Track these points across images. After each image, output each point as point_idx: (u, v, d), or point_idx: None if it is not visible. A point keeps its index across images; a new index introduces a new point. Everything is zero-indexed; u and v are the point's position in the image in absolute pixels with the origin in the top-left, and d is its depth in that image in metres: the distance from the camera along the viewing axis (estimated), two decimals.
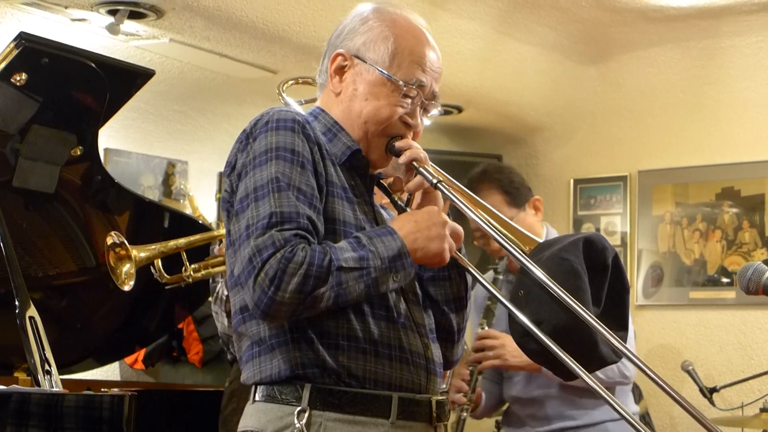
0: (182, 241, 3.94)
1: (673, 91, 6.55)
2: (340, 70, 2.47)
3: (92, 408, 3.68)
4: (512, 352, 3.62)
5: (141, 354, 4.64)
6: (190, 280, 3.95)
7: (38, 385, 3.83)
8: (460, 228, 2.38)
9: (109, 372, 5.53)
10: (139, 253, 3.87)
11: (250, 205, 2.25)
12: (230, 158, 2.37)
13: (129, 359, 5.72)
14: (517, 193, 3.86)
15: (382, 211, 2.54)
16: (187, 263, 3.97)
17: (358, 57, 2.45)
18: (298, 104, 2.80)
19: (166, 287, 4.01)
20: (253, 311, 2.25)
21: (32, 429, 3.56)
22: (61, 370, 3.96)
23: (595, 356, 2.35)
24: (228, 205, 2.34)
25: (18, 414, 3.56)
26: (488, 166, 3.93)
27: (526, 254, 2.41)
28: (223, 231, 3.69)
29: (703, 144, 6.58)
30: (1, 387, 3.77)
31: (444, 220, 2.32)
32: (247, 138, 2.34)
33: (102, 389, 3.99)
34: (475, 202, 2.54)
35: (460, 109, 6.68)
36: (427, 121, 2.54)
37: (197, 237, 3.98)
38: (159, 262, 3.93)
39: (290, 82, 2.88)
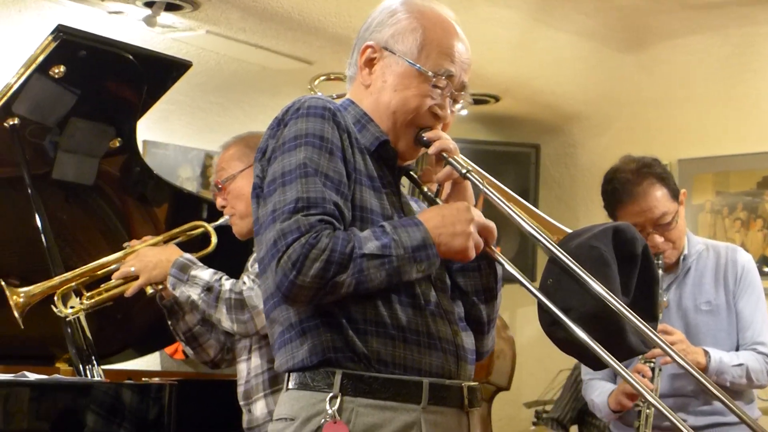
0: (69, 274, 3.82)
1: (713, 78, 6.52)
2: (370, 62, 2.48)
3: (135, 396, 3.75)
4: (689, 348, 3.57)
5: (181, 344, 4.67)
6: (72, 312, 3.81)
7: (80, 375, 3.90)
8: (491, 224, 2.37)
9: (150, 362, 5.58)
10: (18, 298, 3.76)
11: (278, 189, 2.27)
12: (262, 144, 2.40)
13: (169, 349, 5.77)
14: (675, 187, 3.77)
15: (413, 202, 2.56)
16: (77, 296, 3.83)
17: (386, 49, 2.46)
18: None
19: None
20: (275, 294, 2.31)
21: (77, 416, 3.63)
22: (102, 360, 4.04)
23: (623, 345, 2.34)
24: (258, 190, 2.37)
25: (68, 402, 3.65)
26: (643, 159, 3.77)
27: (554, 243, 2.42)
28: (114, 257, 3.76)
29: (743, 132, 6.56)
30: (45, 376, 3.85)
31: (470, 217, 2.31)
32: (278, 124, 2.37)
33: (143, 379, 4.06)
34: (505, 193, 2.55)
35: (497, 98, 6.69)
36: (464, 112, 2.56)
37: (91, 266, 3.81)
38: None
39: (322, 78, 2.89)
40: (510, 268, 2.40)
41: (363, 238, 2.22)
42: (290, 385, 2.34)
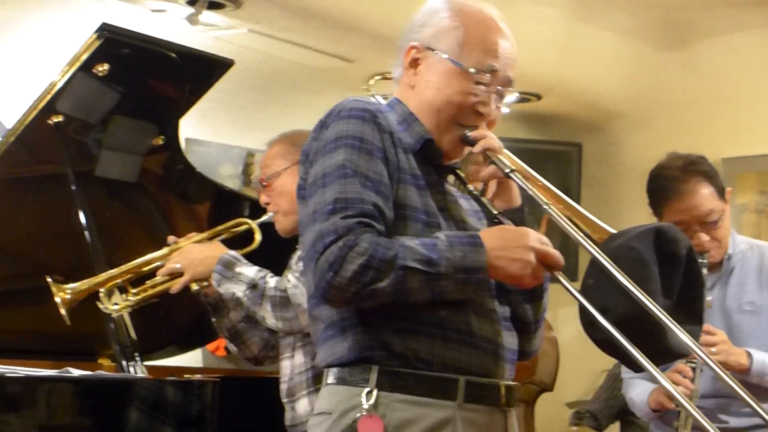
0: (115, 271, 3.83)
1: (755, 76, 6.47)
2: (414, 62, 2.50)
3: (178, 393, 3.77)
4: (731, 349, 3.54)
5: (223, 341, 4.69)
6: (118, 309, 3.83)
7: (123, 371, 3.93)
8: (554, 253, 2.31)
9: (192, 359, 5.61)
10: (64, 295, 3.78)
11: (318, 190, 2.30)
12: (305, 146, 2.42)
13: (211, 346, 5.83)
14: (721, 185, 3.72)
15: (463, 200, 2.56)
16: (122, 292, 3.86)
17: (429, 48, 2.47)
18: (382, 98, 2.82)
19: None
20: (314, 294, 2.34)
21: (120, 412, 3.65)
22: (144, 356, 4.06)
23: (663, 348, 2.32)
24: (302, 191, 2.40)
25: (111, 398, 3.66)
26: (689, 157, 3.73)
27: (596, 243, 2.41)
28: (159, 253, 3.75)
29: None
30: (88, 372, 3.87)
31: (530, 246, 2.27)
32: (321, 127, 2.39)
33: (185, 375, 4.08)
34: (550, 191, 2.53)
35: (538, 97, 6.69)
36: (505, 109, 2.55)
37: (136, 263, 3.82)
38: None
39: (377, 77, 2.90)
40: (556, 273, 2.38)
41: (409, 248, 2.22)
42: (329, 380, 2.37)
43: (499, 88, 2.46)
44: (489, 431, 2.36)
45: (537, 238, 2.29)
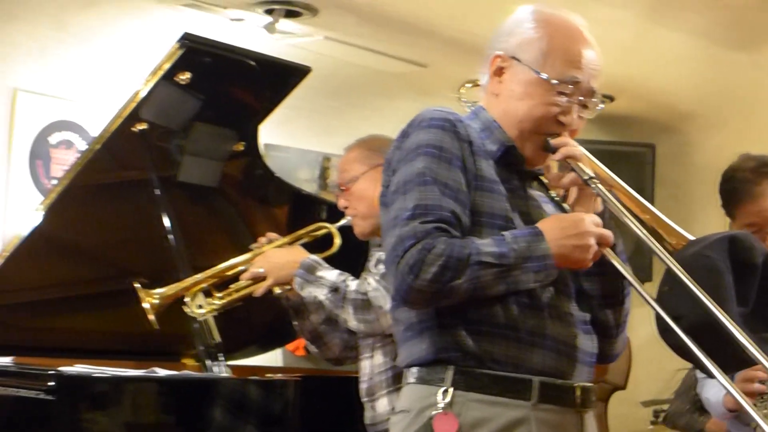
0: (200, 276, 3.89)
1: None
2: (499, 71, 2.51)
3: (261, 392, 3.83)
4: None
5: (302, 341, 4.72)
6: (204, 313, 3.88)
7: (207, 370, 4.00)
8: (607, 233, 2.37)
9: (272, 358, 5.66)
10: (152, 299, 3.83)
11: (399, 197, 2.34)
12: (388, 155, 2.47)
13: (290, 346, 5.85)
14: None
15: (546, 203, 2.56)
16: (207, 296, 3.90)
17: (514, 58, 2.48)
18: (470, 106, 2.84)
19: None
20: (395, 297, 2.37)
21: (205, 411, 3.71)
22: (226, 356, 4.11)
23: (736, 355, 2.30)
24: (384, 198, 2.44)
25: (196, 397, 3.73)
26: (762, 158, 3.66)
27: (675, 250, 2.43)
28: (242, 258, 3.78)
29: None
30: (174, 372, 3.94)
31: (588, 230, 2.33)
32: (403, 136, 2.44)
33: (267, 375, 4.13)
34: (630, 196, 2.55)
35: (611, 98, 6.66)
36: (588, 116, 2.56)
37: (220, 267, 3.88)
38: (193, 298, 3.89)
39: (468, 85, 2.93)
40: (626, 273, 2.41)
41: (481, 245, 2.28)
42: (409, 380, 2.41)
43: (582, 98, 2.47)
44: (564, 431, 2.38)
45: (592, 222, 2.35)
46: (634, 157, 7.20)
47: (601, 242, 2.36)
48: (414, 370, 2.40)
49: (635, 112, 7.11)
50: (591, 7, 5.31)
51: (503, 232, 2.33)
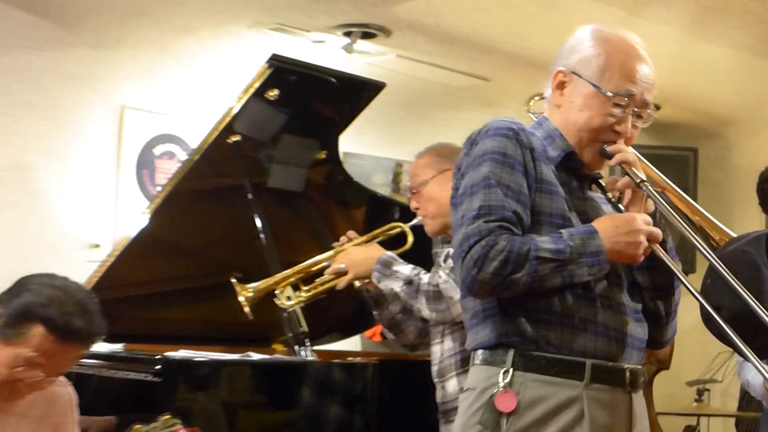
0: (289, 271, 3.89)
1: None
2: (561, 85, 2.52)
3: (344, 374, 3.85)
4: None
5: (379, 328, 4.73)
6: (292, 305, 3.89)
7: (296, 354, 4.01)
8: (656, 231, 2.37)
9: (351, 344, 5.67)
10: (247, 293, 3.85)
11: (466, 199, 2.36)
12: (458, 161, 2.48)
13: (368, 333, 5.80)
14: None
15: (605, 204, 2.56)
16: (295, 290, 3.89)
17: (575, 73, 2.49)
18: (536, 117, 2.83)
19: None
20: (461, 288, 2.39)
21: (295, 391, 3.74)
22: (312, 342, 4.13)
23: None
24: (455, 200, 2.45)
25: (287, 378, 3.76)
26: None
27: (718, 245, 2.42)
28: (326, 255, 3.79)
29: None
30: (266, 356, 3.97)
31: (639, 228, 2.34)
32: (471, 144, 2.45)
33: (348, 358, 4.15)
34: (679, 196, 2.54)
35: (658, 107, 6.56)
36: (642, 125, 2.56)
37: (306, 264, 3.88)
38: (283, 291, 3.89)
39: (536, 98, 2.93)
40: (673, 267, 2.40)
41: (540, 242, 2.29)
42: (475, 361, 2.43)
43: (636, 109, 2.47)
44: (614, 410, 2.37)
45: (643, 220, 2.36)
46: (678, 160, 7.13)
47: (651, 239, 2.36)
48: (479, 352, 2.41)
49: (680, 118, 7.03)
50: (641, 24, 5.27)
51: (561, 230, 2.34)
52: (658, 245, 2.39)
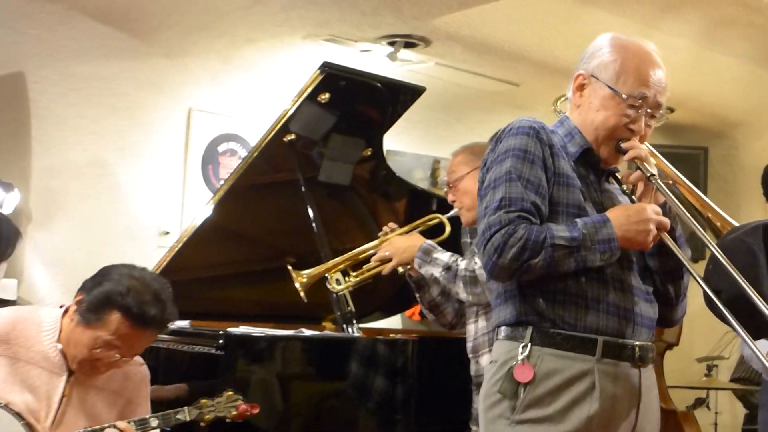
0: (339, 259, 3.86)
1: None
2: (581, 87, 2.51)
3: (387, 349, 3.83)
4: None
5: (418, 307, 4.72)
6: (341, 289, 3.87)
7: (344, 332, 4.01)
8: (666, 220, 2.36)
9: (392, 322, 5.66)
10: (302, 279, 3.85)
11: (489, 192, 2.36)
12: (484, 157, 2.47)
13: (408, 312, 5.83)
14: None
15: (620, 196, 2.53)
16: (344, 275, 3.87)
17: (593, 76, 2.47)
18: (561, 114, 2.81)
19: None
20: (485, 272, 2.38)
21: (343, 364, 3.73)
22: (357, 320, 4.11)
23: (764, 323, 2.26)
24: (480, 192, 2.44)
25: (336, 353, 3.75)
26: None
27: (722, 233, 2.39)
28: (372, 244, 3.74)
29: None
30: (317, 332, 3.96)
31: (648, 218, 2.32)
32: (496, 142, 2.44)
33: (390, 335, 4.14)
34: (689, 189, 2.51)
35: (671, 110, 6.54)
36: (655, 125, 2.53)
37: (354, 252, 3.84)
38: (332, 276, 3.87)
39: (562, 99, 2.91)
40: (679, 254, 2.38)
41: (556, 230, 2.28)
42: (499, 337, 2.43)
43: (649, 110, 2.45)
44: (623, 382, 2.35)
45: (653, 210, 2.35)
46: (690, 159, 7.07)
47: (660, 228, 2.35)
48: (502, 329, 2.42)
49: (692, 120, 6.96)
50: (656, 35, 5.21)
51: (576, 219, 2.33)
52: (666, 234, 2.38)
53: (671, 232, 2.42)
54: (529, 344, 2.32)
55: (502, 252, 2.26)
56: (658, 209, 2.37)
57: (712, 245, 2.30)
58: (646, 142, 2.51)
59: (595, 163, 2.49)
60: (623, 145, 2.44)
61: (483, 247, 2.30)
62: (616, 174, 2.55)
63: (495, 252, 2.26)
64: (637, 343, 2.38)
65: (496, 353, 2.42)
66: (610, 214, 2.35)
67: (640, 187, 2.45)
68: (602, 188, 2.50)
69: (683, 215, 2.40)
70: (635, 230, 2.31)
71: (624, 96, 2.42)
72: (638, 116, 2.44)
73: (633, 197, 2.48)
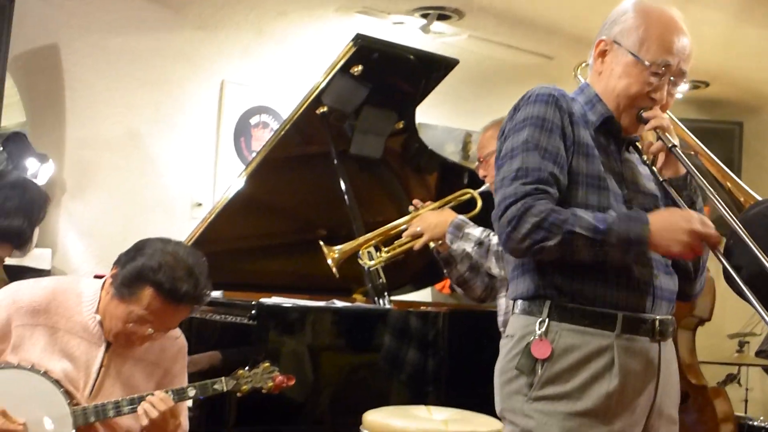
0: (371, 235, 3.86)
1: None
2: (602, 54, 2.44)
3: (419, 321, 3.85)
4: None
5: (448, 281, 4.72)
6: (374, 264, 3.86)
7: (376, 304, 4.02)
8: (715, 234, 2.20)
9: (422, 295, 5.68)
10: (334, 254, 3.85)
11: (506, 162, 2.28)
12: (502, 126, 2.41)
13: (438, 285, 5.85)
14: None
15: (641, 165, 2.47)
16: (376, 250, 3.88)
17: (616, 42, 2.40)
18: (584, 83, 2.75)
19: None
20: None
21: (375, 336, 3.77)
22: (389, 293, 4.14)
23: None
24: (497, 162, 2.38)
25: (368, 325, 3.79)
26: None
27: (743, 206, 2.34)
28: (403, 220, 3.74)
29: None
30: (349, 304, 3.98)
31: (693, 229, 2.18)
32: (514, 111, 2.38)
33: (421, 308, 4.16)
34: (713, 162, 2.47)
35: (707, 84, 6.49)
36: (678, 95, 2.48)
37: (386, 227, 3.84)
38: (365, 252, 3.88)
39: (583, 65, 2.87)
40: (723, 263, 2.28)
41: (580, 218, 2.20)
42: (515, 310, 2.37)
43: (672, 78, 2.38)
44: (643, 358, 2.30)
45: (700, 221, 2.20)
46: (725, 133, 7.01)
47: (708, 242, 2.21)
48: (519, 302, 2.36)
49: (727, 95, 6.89)
50: (692, 9, 5.15)
51: (613, 212, 2.25)
52: (709, 246, 2.24)
53: (692, 205, 2.37)
54: (547, 319, 2.27)
55: (516, 226, 2.19)
56: (709, 222, 2.23)
57: (733, 220, 2.22)
58: (668, 111, 2.45)
59: (616, 132, 2.42)
60: (645, 114, 2.37)
61: (498, 219, 2.24)
62: (637, 143, 2.49)
63: (509, 225, 2.20)
64: (657, 317, 2.33)
65: (512, 327, 2.36)
66: (653, 215, 2.23)
67: (661, 158, 2.40)
68: (622, 158, 2.43)
69: (704, 188, 2.33)
70: (671, 238, 2.19)
71: (647, 63, 2.35)
72: (661, 84, 2.37)
73: (653, 168, 2.43)
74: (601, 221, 2.19)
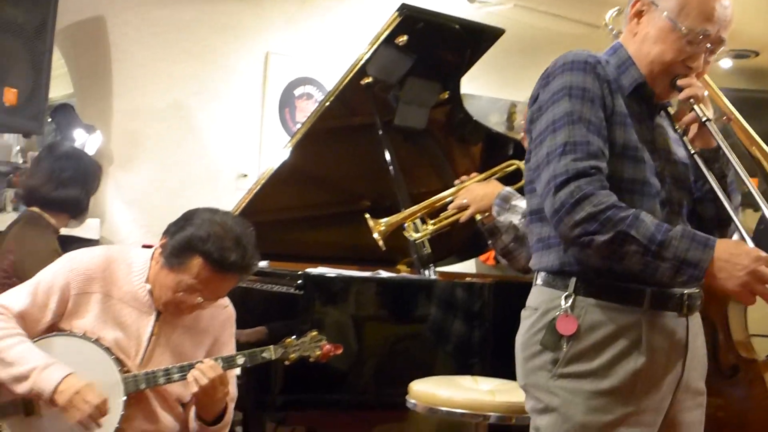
0: (416, 207, 3.87)
1: None
2: (639, 14, 2.35)
3: (465, 292, 3.84)
4: None
5: (492, 252, 4.70)
6: (419, 236, 3.88)
7: (421, 274, 4.03)
8: None
9: (467, 266, 5.68)
10: (379, 227, 3.87)
11: (549, 135, 2.20)
12: (534, 92, 2.33)
13: (482, 257, 5.90)
14: None
15: (672, 131, 2.41)
16: (422, 222, 3.91)
17: (654, 4, 2.32)
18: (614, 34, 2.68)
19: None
20: (534, 213, 2.30)
21: (421, 306, 3.77)
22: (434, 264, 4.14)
23: None
24: (529, 126, 2.32)
25: (414, 295, 3.78)
26: None
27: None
28: (449, 192, 3.76)
29: None
30: (395, 275, 3.99)
31: (755, 269, 2.04)
32: (548, 77, 2.29)
33: (466, 279, 4.16)
34: (750, 135, 2.43)
35: (757, 53, 6.38)
36: (728, 64, 2.43)
37: (432, 200, 3.85)
38: (410, 224, 3.91)
39: (614, 12, 2.79)
40: (737, 224, 2.23)
41: (641, 221, 2.10)
42: (538, 282, 2.32)
43: (710, 46, 2.29)
44: (671, 333, 2.25)
45: (766, 262, 2.06)
46: None
47: (763, 279, 2.05)
48: (542, 274, 2.29)
49: None
50: None
51: (680, 227, 2.12)
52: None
53: (722, 178, 2.31)
54: (573, 294, 2.21)
55: (570, 210, 2.11)
56: None
57: (763, 201, 2.17)
58: (706, 76, 2.39)
59: (648, 98, 2.35)
60: (679, 83, 2.30)
61: (548, 197, 2.16)
62: (668, 109, 2.43)
63: (561, 207, 2.12)
64: (685, 291, 2.26)
65: (534, 299, 2.30)
66: (720, 243, 2.09)
67: (693, 129, 2.34)
68: (654, 125, 2.36)
69: (736, 166, 2.27)
70: (731, 274, 2.05)
71: (684, 31, 2.26)
72: (698, 53, 2.28)
73: (685, 138, 2.37)
74: (661, 232, 2.09)
